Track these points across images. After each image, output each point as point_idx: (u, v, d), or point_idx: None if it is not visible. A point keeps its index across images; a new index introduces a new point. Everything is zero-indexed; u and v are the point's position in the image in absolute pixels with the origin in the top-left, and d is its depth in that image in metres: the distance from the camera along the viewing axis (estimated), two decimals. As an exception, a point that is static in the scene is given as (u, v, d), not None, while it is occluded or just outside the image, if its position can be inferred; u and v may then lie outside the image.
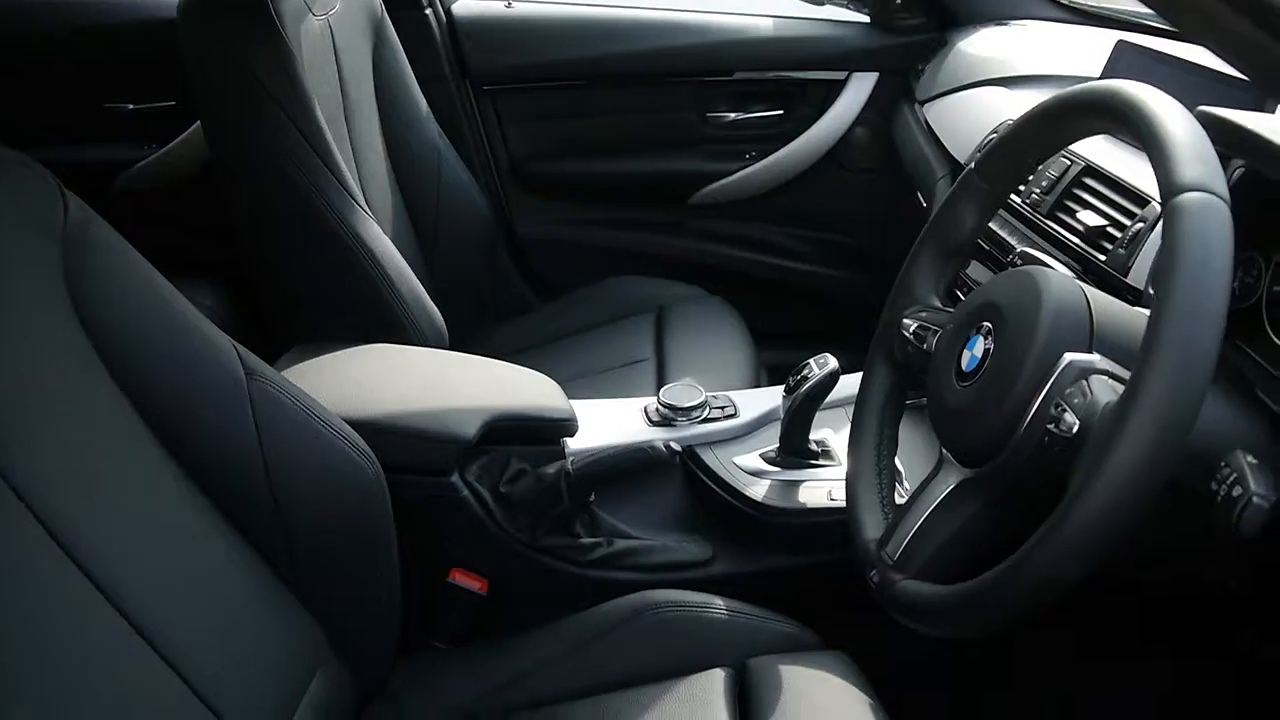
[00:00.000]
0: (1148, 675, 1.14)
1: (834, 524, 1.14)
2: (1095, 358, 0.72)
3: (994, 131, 1.37)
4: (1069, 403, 0.70)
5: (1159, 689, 1.12)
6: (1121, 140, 1.18)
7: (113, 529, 0.77)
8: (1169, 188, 0.64)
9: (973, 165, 0.91)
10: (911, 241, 1.69)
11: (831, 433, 1.25)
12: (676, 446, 1.15)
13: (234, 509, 0.89)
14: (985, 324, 0.81)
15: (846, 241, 2.11)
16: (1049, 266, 0.95)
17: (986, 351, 0.79)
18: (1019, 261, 1.01)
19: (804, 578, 1.17)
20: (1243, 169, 0.88)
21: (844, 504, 1.13)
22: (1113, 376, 0.71)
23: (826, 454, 1.22)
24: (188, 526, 0.85)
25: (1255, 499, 0.63)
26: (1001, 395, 0.75)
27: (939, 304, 0.95)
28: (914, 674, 1.07)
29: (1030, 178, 1.23)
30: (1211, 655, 1.02)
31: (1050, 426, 0.70)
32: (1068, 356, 0.72)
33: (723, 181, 2.03)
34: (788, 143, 2.00)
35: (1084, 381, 0.70)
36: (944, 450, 0.84)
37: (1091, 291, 0.78)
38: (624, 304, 1.88)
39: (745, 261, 2.11)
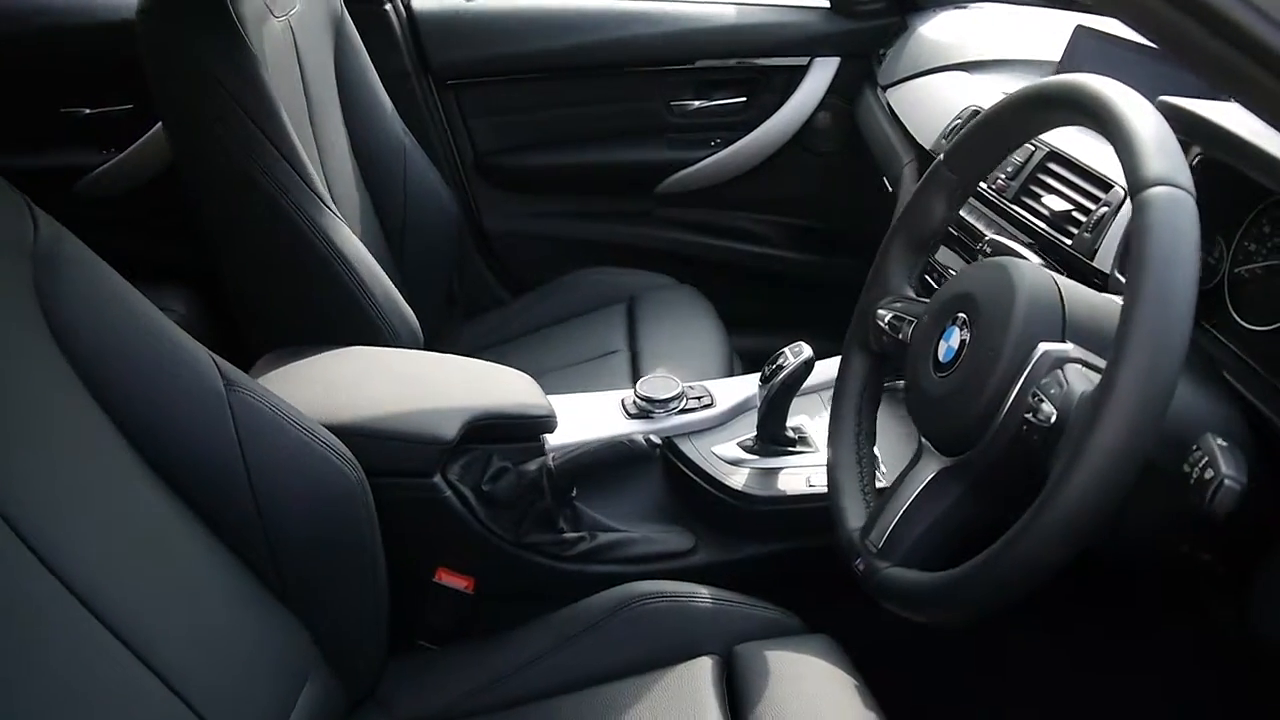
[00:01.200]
0: (1128, 652, 1.17)
1: (813, 510, 1.15)
2: (1069, 347, 0.74)
3: (958, 118, 1.38)
4: (1045, 393, 0.71)
5: (1139, 664, 1.15)
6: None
7: (93, 543, 0.77)
8: (1136, 182, 0.66)
9: (941, 157, 0.92)
10: (878, 224, 1.72)
11: (807, 419, 1.27)
12: (656, 439, 1.16)
13: (218, 520, 0.89)
14: (961, 315, 0.82)
15: (813, 226, 2.13)
16: (1019, 255, 0.97)
17: (963, 342, 0.81)
18: (989, 250, 1.02)
19: (785, 564, 1.18)
20: (1201, 154, 0.91)
21: (823, 490, 1.15)
22: (1086, 365, 0.73)
23: (803, 440, 1.23)
24: (170, 539, 0.85)
25: (1227, 481, 0.65)
26: (979, 386, 0.77)
27: (913, 294, 0.97)
28: (895, 654, 1.09)
29: None
30: (1189, 630, 1.04)
31: (1028, 416, 0.72)
32: (1042, 346, 0.74)
33: (689, 170, 2.03)
34: (752, 129, 2.01)
35: (1059, 371, 0.72)
36: (923, 439, 0.86)
37: (1063, 281, 0.80)
38: (594, 295, 1.88)
39: (714, 249, 2.12)
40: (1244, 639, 0.77)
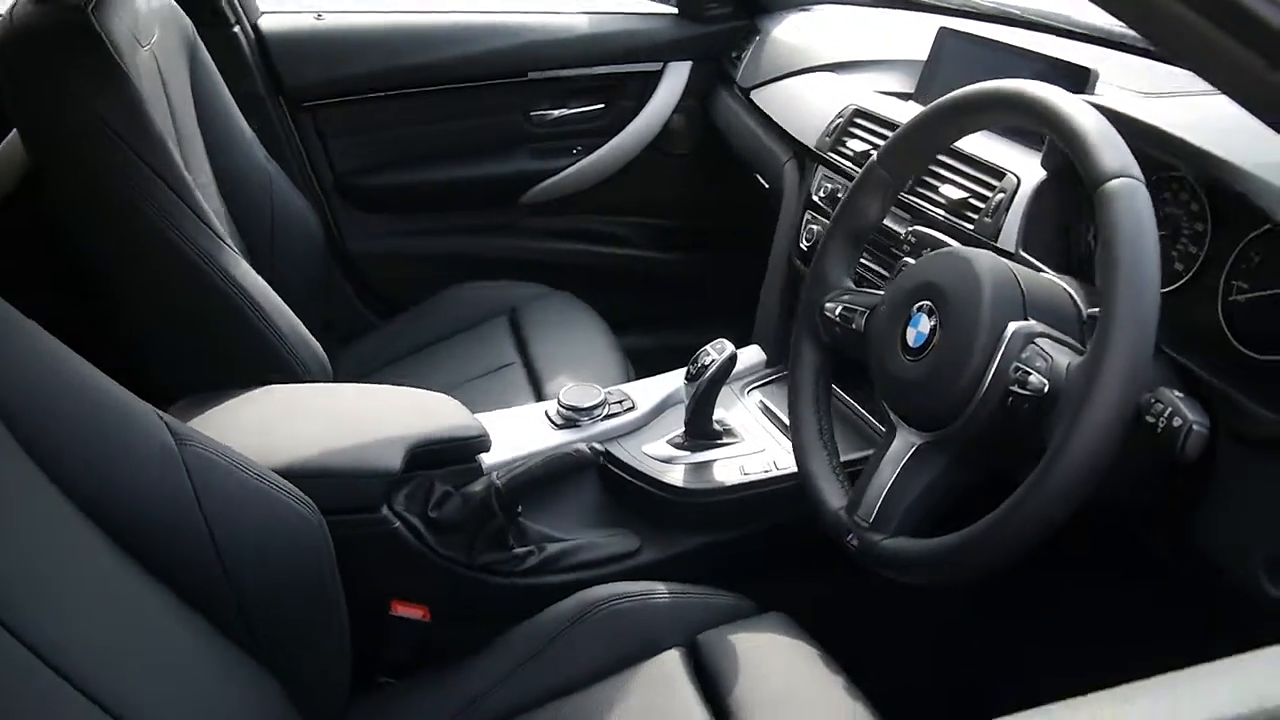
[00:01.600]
0: (1069, 603, 1.27)
1: (751, 497, 1.21)
2: (1034, 324, 0.82)
3: (839, 116, 1.46)
4: (1031, 366, 0.79)
5: (1078, 615, 1.25)
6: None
7: (52, 613, 0.72)
8: (1095, 177, 0.74)
9: (875, 158, 0.98)
10: (745, 219, 1.79)
11: (724, 411, 1.32)
12: (600, 447, 1.18)
13: (179, 577, 0.85)
14: (926, 303, 0.89)
15: (677, 224, 2.18)
16: (944, 244, 1.05)
17: (933, 328, 0.88)
18: (914, 239, 1.10)
19: (730, 551, 1.23)
20: None
21: (758, 477, 1.21)
22: (1053, 339, 0.81)
23: (729, 432, 1.28)
24: (131, 601, 0.81)
25: (1196, 426, 0.75)
26: (958, 366, 0.83)
27: (854, 286, 1.03)
28: (844, 624, 1.15)
29: None
30: (1134, 570, 1.15)
31: (1014, 388, 0.79)
32: (1013, 325, 0.81)
33: (553, 179, 2.05)
34: (612, 136, 2.05)
35: (1034, 345, 0.80)
36: (895, 418, 0.92)
37: (1015, 266, 0.88)
38: (473, 310, 1.86)
39: (582, 254, 2.14)
40: (1186, 568, 0.87)
